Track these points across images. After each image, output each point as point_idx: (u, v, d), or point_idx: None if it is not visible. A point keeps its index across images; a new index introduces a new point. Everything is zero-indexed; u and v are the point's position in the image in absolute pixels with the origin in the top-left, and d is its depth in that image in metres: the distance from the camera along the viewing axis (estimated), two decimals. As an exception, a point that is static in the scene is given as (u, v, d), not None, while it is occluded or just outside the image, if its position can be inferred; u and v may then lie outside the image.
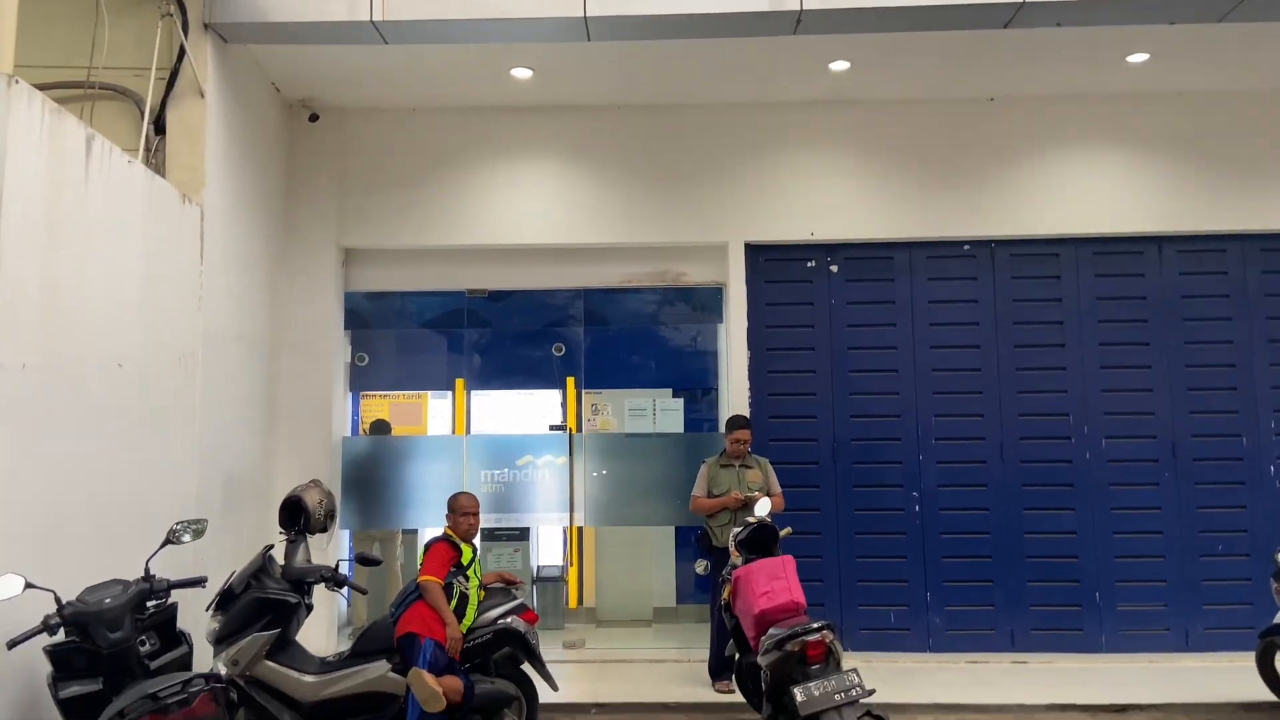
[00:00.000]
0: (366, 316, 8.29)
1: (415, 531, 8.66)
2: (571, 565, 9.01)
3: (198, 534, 4.57)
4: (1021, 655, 7.28)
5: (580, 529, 9.01)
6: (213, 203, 6.21)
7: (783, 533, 5.78)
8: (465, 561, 5.10)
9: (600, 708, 6.03)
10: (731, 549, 5.47)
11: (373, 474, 7.79)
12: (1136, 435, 7.59)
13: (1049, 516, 7.54)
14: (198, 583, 4.43)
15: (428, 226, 7.78)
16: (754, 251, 7.89)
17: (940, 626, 7.47)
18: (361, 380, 8.88)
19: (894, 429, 7.75)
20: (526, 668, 5.27)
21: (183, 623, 4.36)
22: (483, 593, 5.25)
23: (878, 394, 7.80)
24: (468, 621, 5.04)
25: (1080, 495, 7.54)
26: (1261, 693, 5.81)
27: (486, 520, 7.78)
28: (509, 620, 5.16)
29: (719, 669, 6.29)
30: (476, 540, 5.40)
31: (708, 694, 6.25)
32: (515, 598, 5.30)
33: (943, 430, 7.71)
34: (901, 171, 7.82)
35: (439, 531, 5.33)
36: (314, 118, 7.81)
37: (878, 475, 7.71)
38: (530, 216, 7.82)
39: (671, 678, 6.72)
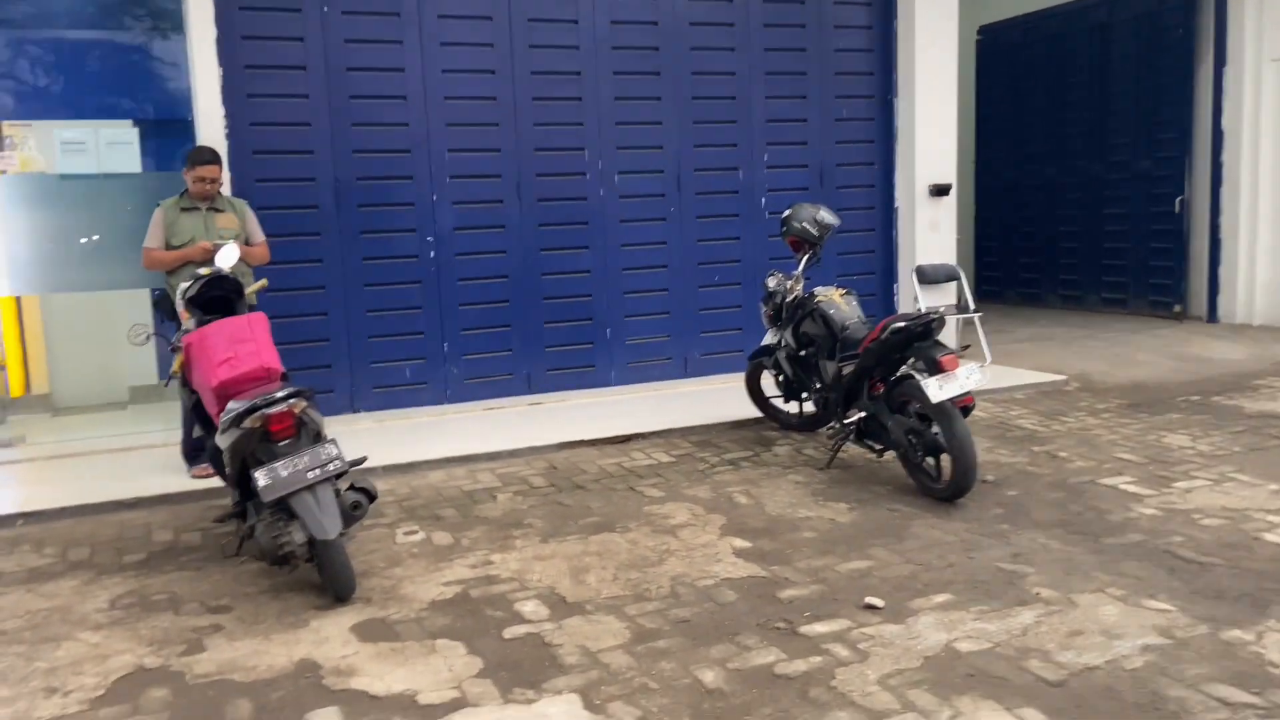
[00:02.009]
0: None
1: None
2: (9, 345, 7.17)
3: None
4: (538, 397, 7.21)
5: (18, 300, 7.15)
6: None
7: (253, 287, 4.78)
8: None
9: (28, 517, 4.80)
10: (180, 309, 4.37)
11: None
12: (646, 170, 7.51)
13: (565, 256, 7.32)
14: None
15: None
16: (218, -62, 6.21)
17: (458, 376, 7.10)
18: None
19: (405, 166, 6.88)
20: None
21: None
22: None
23: (385, 125, 6.81)
24: None
25: (594, 233, 7.39)
26: (749, 410, 6.23)
27: None
28: None
29: (193, 453, 5.30)
30: None
31: (184, 482, 5.28)
32: None
33: (458, 167, 7.00)
34: None
35: None
36: None
37: (388, 219, 6.87)
38: None
39: (145, 467, 5.60)
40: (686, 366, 7.70)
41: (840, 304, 5.36)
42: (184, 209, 5.39)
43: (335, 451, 3.78)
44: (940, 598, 3.62)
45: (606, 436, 6.04)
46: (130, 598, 3.91)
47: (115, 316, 6.93)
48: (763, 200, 7.77)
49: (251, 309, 4.57)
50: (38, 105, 6.59)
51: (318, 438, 3.91)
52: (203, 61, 6.20)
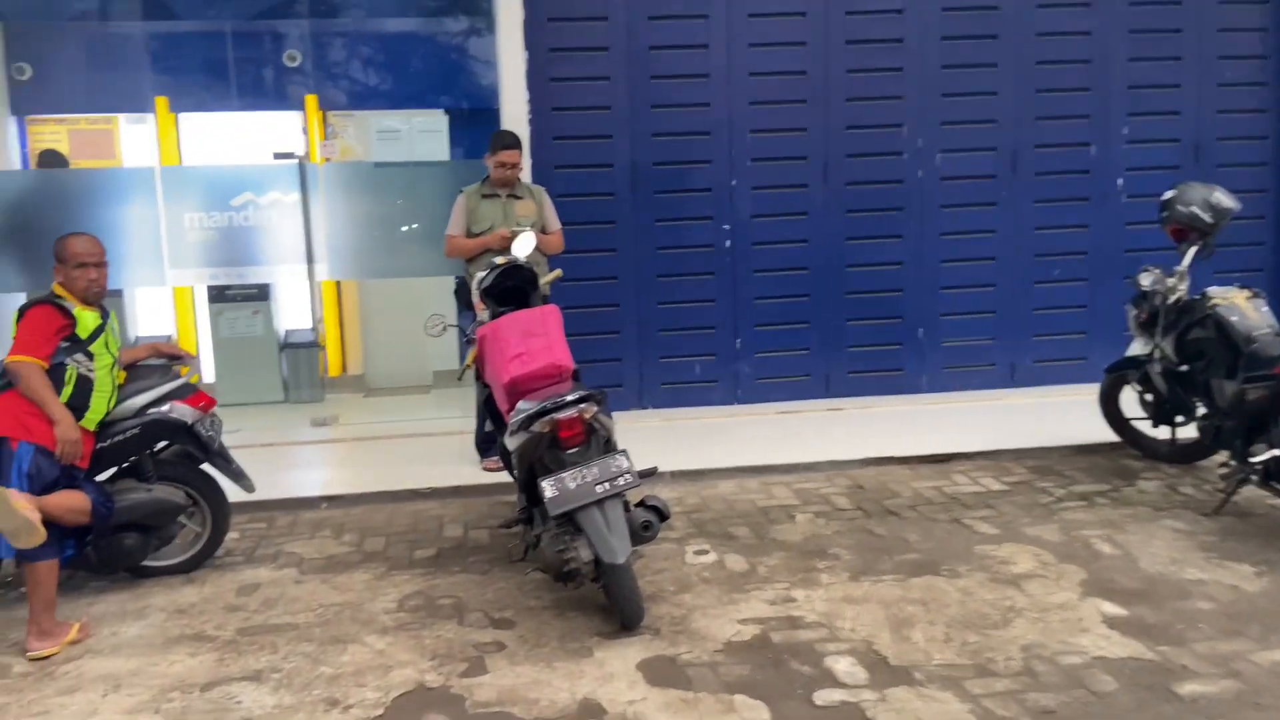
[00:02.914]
0: (14, 2, 6.03)
1: (119, 294, 6.92)
2: (328, 327, 7.56)
3: None
4: (838, 401, 6.52)
5: (339, 285, 7.51)
6: None
7: (548, 277, 4.49)
8: (85, 332, 3.57)
9: (332, 501, 4.84)
10: (476, 300, 4.14)
11: (31, 221, 5.90)
12: (975, 147, 6.58)
13: (874, 246, 6.57)
14: None
15: None
16: (528, -83, 6.06)
17: (750, 375, 6.57)
18: (27, 99, 6.77)
19: (705, 149, 6.44)
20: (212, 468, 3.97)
21: None
22: (122, 374, 3.77)
23: (686, 106, 6.41)
24: (96, 414, 3.59)
25: (909, 220, 6.57)
26: (1100, 432, 5.18)
27: (206, 275, 6.18)
28: (164, 409, 3.74)
29: (485, 444, 5.16)
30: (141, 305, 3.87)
31: (474, 474, 5.15)
32: (176, 376, 3.86)
33: (760, 149, 6.46)
34: None
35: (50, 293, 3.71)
36: None
37: (684, 206, 6.46)
38: None
39: (442, 455, 5.56)
40: (1014, 375, 6.68)
41: (1246, 309, 4.24)
42: (484, 195, 5.24)
43: (626, 464, 3.35)
44: None
45: (922, 454, 5.26)
46: (417, 599, 3.72)
47: (422, 302, 7.04)
48: (1119, 181, 6.57)
49: (545, 300, 4.28)
50: (359, 96, 6.85)
51: (608, 445, 3.51)
52: (509, 47, 6.09)
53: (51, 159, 6.54)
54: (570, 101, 6.30)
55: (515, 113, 6.10)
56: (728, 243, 6.50)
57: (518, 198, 5.26)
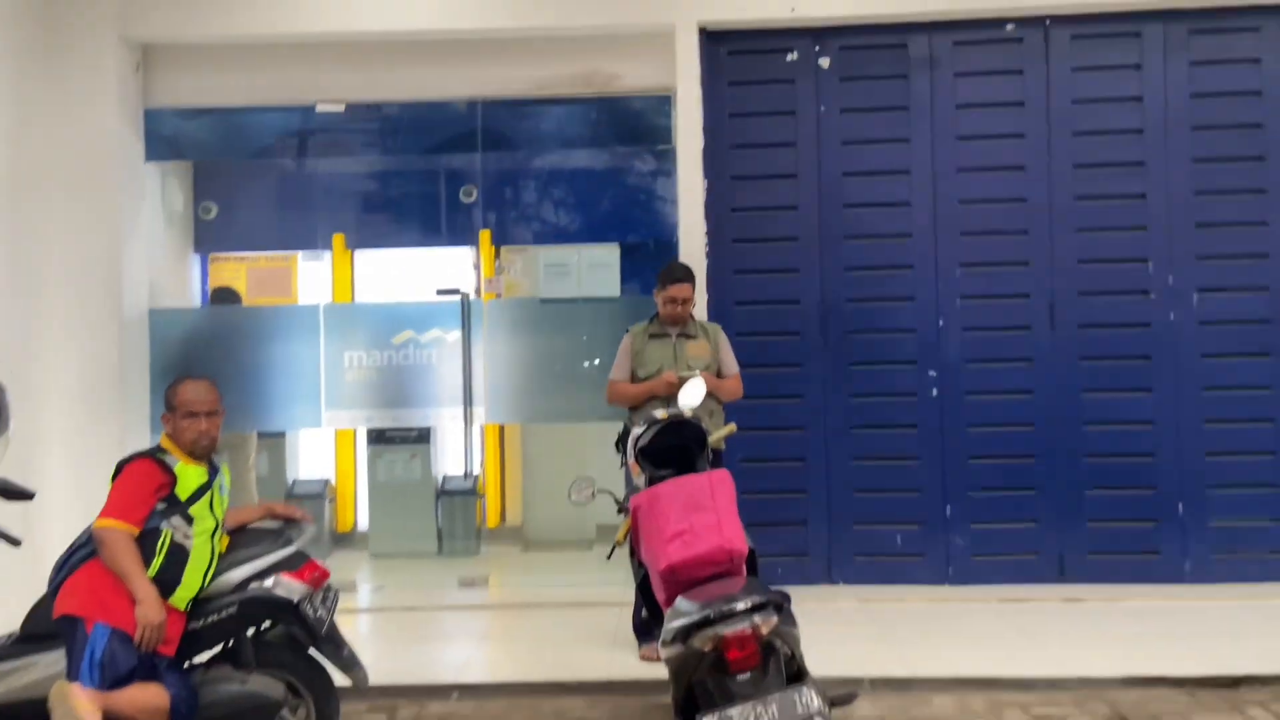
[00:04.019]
0: (201, 143, 6.12)
1: (282, 436, 6.73)
2: (488, 474, 7.08)
3: None
4: (1075, 589, 5.33)
5: (502, 429, 7.06)
6: None
7: (720, 433, 3.75)
8: (186, 492, 3.11)
9: (465, 691, 4.13)
10: (630, 461, 3.45)
11: (198, 360, 5.77)
12: (1242, 287, 5.47)
13: (1117, 401, 5.48)
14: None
15: (250, 7, 5.52)
16: (712, 41, 5.65)
17: (963, 551, 5.50)
18: (211, 237, 6.85)
19: (905, 285, 5.64)
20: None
21: None
22: (226, 540, 3.28)
23: (884, 238, 5.67)
24: (189, 590, 3.09)
25: (1160, 371, 5.46)
26: None
27: (362, 418, 5.86)
28: (268, 583, 3.20)
29: (644, 628, 4.36)
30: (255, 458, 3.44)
31: (630, 663, 4.34)
32: (289, 542, 3.34)
33: (972, 285, 5.60)
34: (919, -84, 5.48)
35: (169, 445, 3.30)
36: None
37: (883, 349, 5.64)
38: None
39: (596, 633, 4.80)
40: (1311, 567, 5.30)
41: None
42: (653, 335, 4.63)
43: (815, 704, 2.49)
44: None
45: (1201, 675, 4.04)
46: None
47: (587, 450, 6.50)
48: None
49: (715, 461, 3.54)
50: (531, 230, 6.54)
51: (791, 668, 2.65)
52: (688, 174, 5.59)
53: (225, 296, 6.52)
54: (753, 232, 5.69)
55: (693, 244, 5.55)
56: (934, 391, 5.58)
57: (690, 337, 4.61)
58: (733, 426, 3.86)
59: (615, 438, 4.29)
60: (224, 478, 3.36)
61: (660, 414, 3.38)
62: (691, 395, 3.58)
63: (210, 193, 6.58)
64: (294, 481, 6.95)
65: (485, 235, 6.73)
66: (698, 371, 4.19)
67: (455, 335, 5.79)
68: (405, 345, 5.81)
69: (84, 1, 5.40)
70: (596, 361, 5.62)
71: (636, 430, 3.45)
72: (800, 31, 5.64)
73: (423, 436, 6.66)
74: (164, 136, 5.87)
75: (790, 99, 5.70)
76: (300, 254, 7.08)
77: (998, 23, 5.58)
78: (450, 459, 7.08)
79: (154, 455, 3.14)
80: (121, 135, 5.53)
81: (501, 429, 7.05)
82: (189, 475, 3.14)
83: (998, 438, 5.56)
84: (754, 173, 5.72)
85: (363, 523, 7.03)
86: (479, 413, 5.88)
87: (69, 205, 5.39)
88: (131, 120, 5.64)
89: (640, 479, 3.32)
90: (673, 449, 3.35)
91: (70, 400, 5.36)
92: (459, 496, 6.74)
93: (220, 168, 6.58)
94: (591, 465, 6.75)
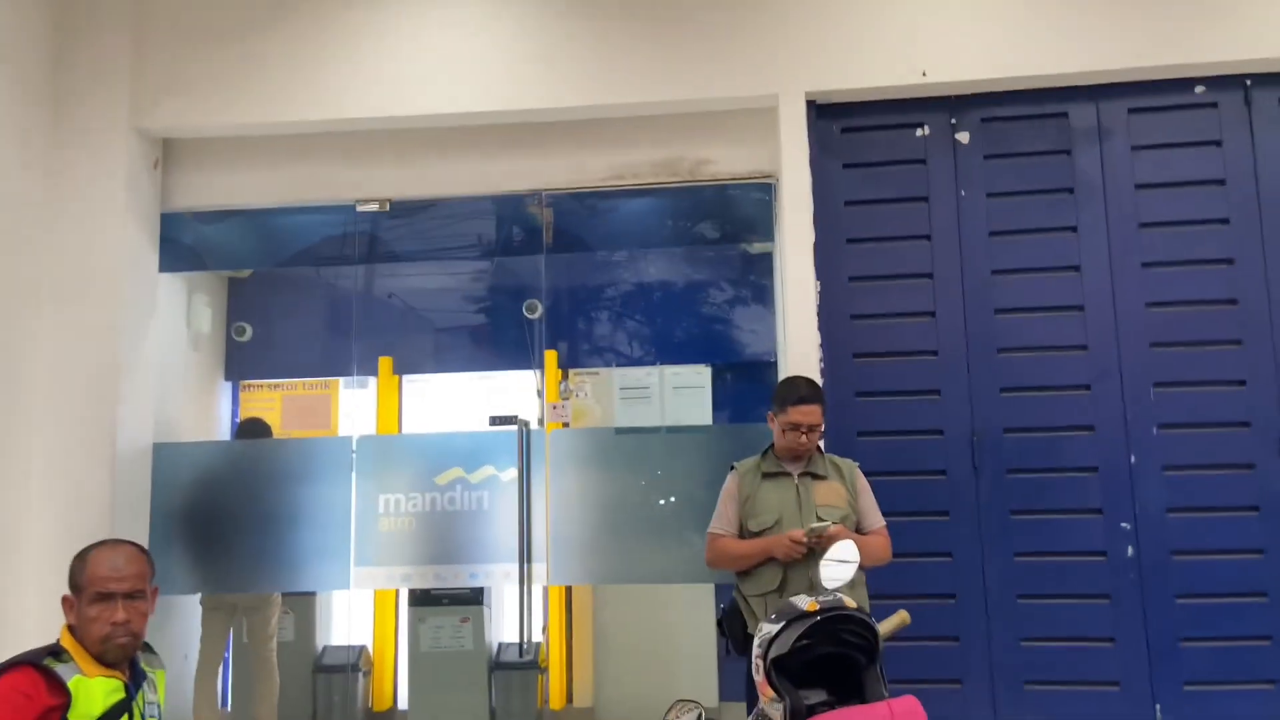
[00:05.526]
0: (224, 251, 5.32)
1: (312, 595, 5.65)
2: (552, 644, 5.83)
3: None
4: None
5: (569, 590, 5.85)
6: None
7: (889, 625, 2.51)
8: (90, 717, 2.00)
9: None
10: (758, 676, 2.21)
11: (206, 505, 4.78)
12: None
13: (1391, 563, 4.07)
14: None
15: (281, 94, 4.77)
16: (823, 116, 4.68)
17: (1188, 768, 4.04)
18: (243, 363, 6.01)
19: (1083, 411, 4.39)
20: None
21: None
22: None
23: (1050, 350, 4.47)
24: None
25: None
26: None
27: (399, 576, 4.78)
28: None
29: None
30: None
31: None
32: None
33: (1172, 410, 4.33)
34: (1078, -38, 4.51)
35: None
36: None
37: (1055, 493, 4.36)
38: (449, 70, 4.74)
39: None
40: None
41: None
42: (767, 474, 3.47)
43: None
44: None
45: None
46: None
47: (672, 617, 5.26)
48: None
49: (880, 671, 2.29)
50: (604, 351, 5.53)
51: None
52: (796, 276, 4.52)
53: (252, 429, 5.58)
54: (880, 345, 4.56)
55: (802, 361, 4.42)
56: (1130, 550, 4.25)
57: (819, 477, 3.43)
58: (904, 615, 2.61)
59: (718, 614, 3.08)
60: (159, 684, 2.26)
61: (807, 604, 2.17)
62: (841, 568, 2.38)
63: (245, 313, 5.77)
64: (324, 649, 5.82)
65: (551, 356, 5.73)
66: (832, 524, 3.00)
67: (511, 473, 4.71)
68: (451, 486, 4.74)
69: (95, 86, 4.70)
70: (667, 509, 4.46)
71: (767, 628, 2.22)
72: (932, 101, 4.64)
73: (477, 597, 5.50)
74: (182, 244, 5.07)
75: (921, 183, 4.65)
76: (342, 380, 6.15)
77: (1184, 84, 4.50)
78: (507, 623, 5.86)
79: (38, 663, 2.05)
80: (132, 240, 4.72)
81: (569, 591, 5.83)
82: (92, 693, 2.04)
83: (1221, 612, 4.17)
84: (878, 272, 4.63)
85: (402, 700, 5.82)
86: (539, 570, 4.72)
87: (61, 319, 4.55)
88: (145, 224, 4.85)
89: (775, 708, 2.09)
90: (827, 660, 2.13)
91: (48, 550, 4.38)
92: (517, 671, 5.50)
93: (256, 284, 5.80)
94: (682, 637, 5.50)
